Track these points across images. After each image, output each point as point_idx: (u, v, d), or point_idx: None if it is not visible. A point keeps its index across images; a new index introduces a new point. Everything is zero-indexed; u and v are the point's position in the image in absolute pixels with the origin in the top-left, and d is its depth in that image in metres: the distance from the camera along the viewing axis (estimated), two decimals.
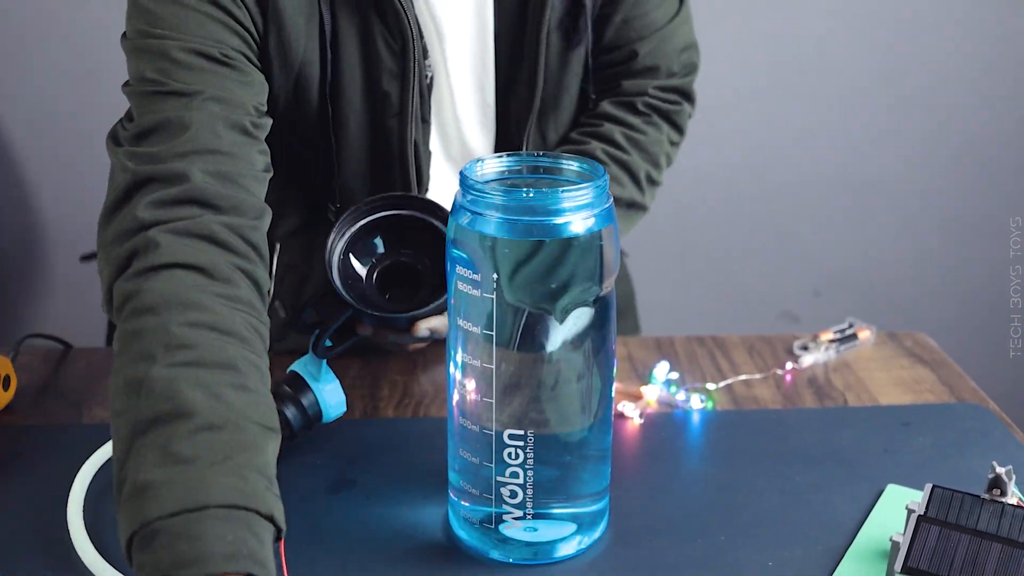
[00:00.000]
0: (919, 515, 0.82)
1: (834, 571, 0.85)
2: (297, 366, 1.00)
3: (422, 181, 1.15)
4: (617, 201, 1.18)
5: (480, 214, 0.79)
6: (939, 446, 1.03)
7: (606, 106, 1.23)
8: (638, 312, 1.51)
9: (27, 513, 0.91)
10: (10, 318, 2.60)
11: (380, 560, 0.86)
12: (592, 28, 1.18)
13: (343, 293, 0.99)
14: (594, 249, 0.79)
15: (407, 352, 1.20)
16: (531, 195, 0.78)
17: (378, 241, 1.05)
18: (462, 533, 0.88)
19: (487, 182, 0.83)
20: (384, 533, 0.89)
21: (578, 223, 0.78)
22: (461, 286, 0.81)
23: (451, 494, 0.89)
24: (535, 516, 0.84)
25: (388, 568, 0.85)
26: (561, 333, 0.81)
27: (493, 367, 0.81)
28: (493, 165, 0.85)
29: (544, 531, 0.85)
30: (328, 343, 1.00)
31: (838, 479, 0.97)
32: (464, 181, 0.81)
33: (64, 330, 1.39)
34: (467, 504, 0.86)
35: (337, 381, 0.99)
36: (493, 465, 0.83)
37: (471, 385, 0.82)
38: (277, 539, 0.73)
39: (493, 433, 0.82)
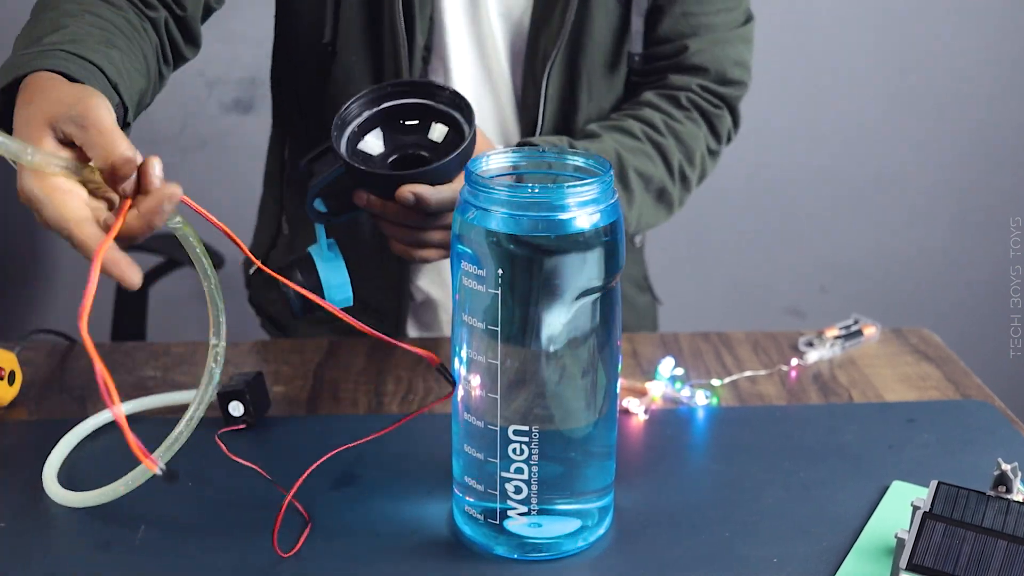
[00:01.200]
0: (924, 512, 0.82)
1: (839, 568, 0.85)
2: (312, 248, 1.00)
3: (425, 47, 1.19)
4: (648, 182, 1.18)
5: (485, 209, 0.79)
6: (944, 443, 1.03)
7: (649, 95, 1.23)
8: (658, 320, 1.51)
9: (31, 507, 0.91)
10: (15, 313, 2.60)
11: (384, 556, 0.86)
12: (650, 14, 1.21)
13: (338, 147, 0.96)
14: (600, 245, 0.79)
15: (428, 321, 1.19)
16: (536, 190, 0.78)
17: (397, 127, 1.02)
18: (466, 529, 0.88)
19: (492, 177, 0.83)
20: (388, 529, 0.89)
21: (583, 218, 0.78)
22: (466, 281, 0.80)
23: (455, 490, 0.89)
24: (540, 512, 0.84)
25: (392, 564, 0.85)
26: (566, 329, 0.80)
27: (498, 363, 0.81)
28: (499, 160, 0.85)
29: (548, 527, 0.85)
30: (323, 209, 0.98)
31: (843, 475, 0.97)
32: (469, 176, 0.81)
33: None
34: (471, 500, 0.86)
35: (343, 263, 0.98)
36: (498, 461, 0.83)
37: (476, 381, 0.82)
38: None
39: (498, 429, 0.82)
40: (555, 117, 1.22)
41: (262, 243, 1.41)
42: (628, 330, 1.33)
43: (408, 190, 0.96)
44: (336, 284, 0.98)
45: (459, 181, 0.98)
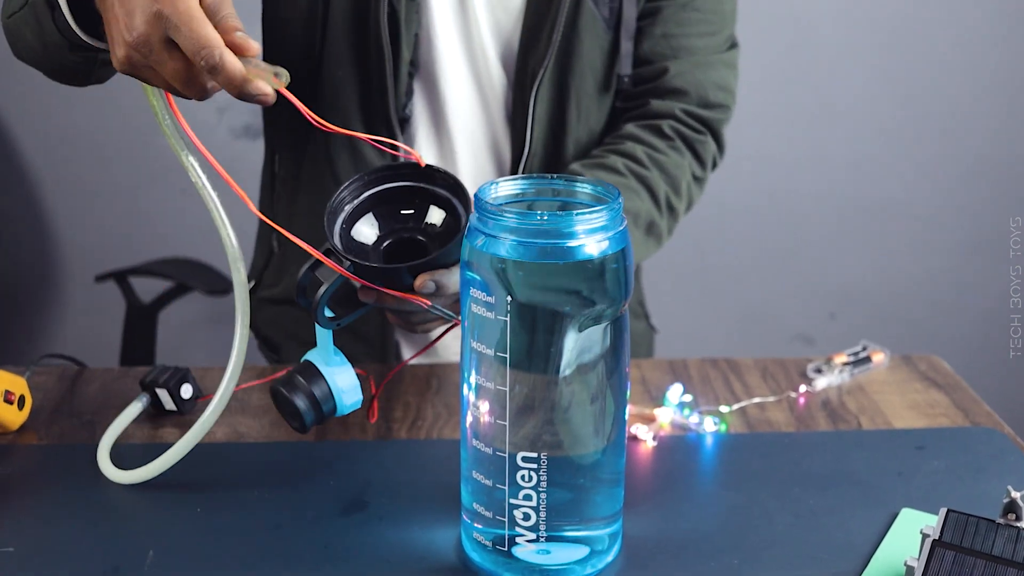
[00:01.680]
0: (934, 539, 0.81)
1: None
2: (311, 355, 0.95)
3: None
4: (636, 218, 1.18)
5: (494, 236, 0.79)
6: (954, 470, 1.02)
7: (630, 127, 1.23)
8: (654, 348, 1.51)
9: (40, 531, 0.91)
10: (26, 338, 2.61)
11: None
12: (633, 35, 1.21)
13: (338, 247, 0.93)
14: (608, 272, 0.79)
15: (420, 335, 1.19)
16: (545, 218, 0.79)
17: (390, 212, 0.99)
18: (475, 555, 0.88)
19: (501, 204, 0.84)
20: (397, 555, 0.89)
21: (592, 246, 0.79)
22: (475, 308, 0.81)
23: (464, 516, 0.89)
24: (548, 539, 0.84)
25: None
26: (575, 355, 0.81)
27: (507, 389, 0.81)
28: (507, 187, 0.86)
29: (557, 554, 0.85)
30: (330, 313, 0.94)
31: (852, 503, 0.97)
32: (478, 203, 0.81)
33: (78, 350, 1.39)
34: (480, 526, 0.86)
35: (350, 366, 0.95)
36: (506, 487, 0.83)
37: (485, 407, 0.82)
38: None
39: (507, 455, 0.82)
40: (544, 136, 1.23)
41: (257, 266, 1.42)
42: None
43: (428, 279, 0.93)
44: (348, 388, 0.95)
45: None
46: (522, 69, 1.21)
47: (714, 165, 1.30)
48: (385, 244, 0.99)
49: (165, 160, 2.48)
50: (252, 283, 1.41)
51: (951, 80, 2.50)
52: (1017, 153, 2.55)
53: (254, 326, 1.44)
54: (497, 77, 1.24)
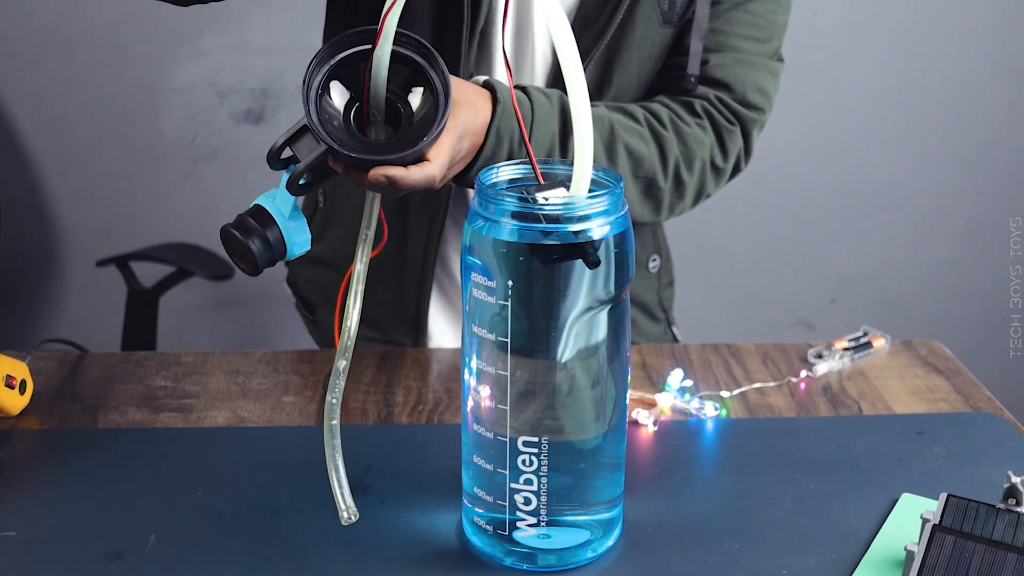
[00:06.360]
0: (934, 524, 0.82)
1: None
2: (264, 200, 0.93)
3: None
4: (637, 165, 1.14)
5: (495, 221, 0.79)
6: (954, 455, 1.02)
7: (663, 96, 1.21)
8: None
9: (42, 516, 0.91)
10: (27, 323, 2.61)
11: (394, 566, 0.86)
12: (704, 36, 1.20)
13: (318, 130, 0.90)
14: (609, 256, 0.79)
15: (415, 358, 1.21)
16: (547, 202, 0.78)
17: (357, 76, 0.94)
18: (476, 540, 0.88)
19: (502, 188, 0.84)
20: (398, 540, 0.89)
21: (593, 230, 0.79)
22: (476, 292, 0.81)
23: (465, 501, 0.89)
24: (549, 523, 0.84)
25: (401, 574, 0.85)
26: (576, 341, 0.81)
27: (508, 374, 0.81)
28: (509, 171, 0.85)
29: (558, 538, 0.85)
30: (303, 180, 0.93)
31: (852, 488, 0.97)
32: (479, 188, 0.81)
33: (79, 335, 1.39)
34: (481, 511, 0.86)
35: (304, 219, 0.94)
36: (507, 472, 0.83)
37: (486, 392, 0.82)
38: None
39: (507, 440, 0.82)
40: None
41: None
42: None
43: (380, 174, 0.90)
44: (300, 241, 0.93)
45: (433, 161, 0.92)
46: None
47: (736, 169, 1.25)
48: (356, 106, 0.94)
49: (166, 145, 2.48)
50: None
51: (955, 68, 2.49)
52: (1017, 141, 2.55)
53: (293, 283, 1.45)
54: (541, 59, 1.21)
